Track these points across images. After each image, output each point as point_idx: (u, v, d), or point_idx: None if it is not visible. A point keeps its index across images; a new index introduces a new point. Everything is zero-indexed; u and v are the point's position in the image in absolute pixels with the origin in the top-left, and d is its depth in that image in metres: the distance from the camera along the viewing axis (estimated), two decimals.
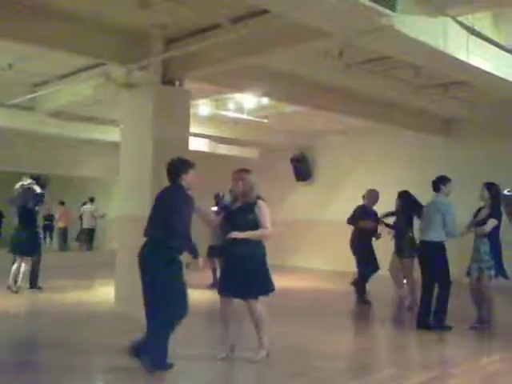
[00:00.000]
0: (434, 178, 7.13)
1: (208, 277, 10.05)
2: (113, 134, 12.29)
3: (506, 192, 7.35)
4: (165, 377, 4.85)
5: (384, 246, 9.20)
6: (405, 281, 9.78)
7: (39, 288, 9.53)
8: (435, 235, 6.86)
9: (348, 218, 9.38)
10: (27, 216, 9.36)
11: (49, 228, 18.06)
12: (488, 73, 6.73)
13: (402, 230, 8.51)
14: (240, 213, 5.26)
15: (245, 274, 5.16)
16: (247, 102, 11.14)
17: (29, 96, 10.16)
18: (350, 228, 12.00)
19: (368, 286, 9.24)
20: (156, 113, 7.64)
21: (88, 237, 17.92)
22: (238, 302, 5.39)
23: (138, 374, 4.78)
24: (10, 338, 6.49)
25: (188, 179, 4.96)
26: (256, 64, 7.93)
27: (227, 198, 7.48)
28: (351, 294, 9.38)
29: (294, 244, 14.99)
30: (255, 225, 5.20)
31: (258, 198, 5.36)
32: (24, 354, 5.65)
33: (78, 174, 16.74)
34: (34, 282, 9.55)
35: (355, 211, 9.45)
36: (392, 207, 9.67)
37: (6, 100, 10.54)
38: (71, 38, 7.00)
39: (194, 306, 7.83)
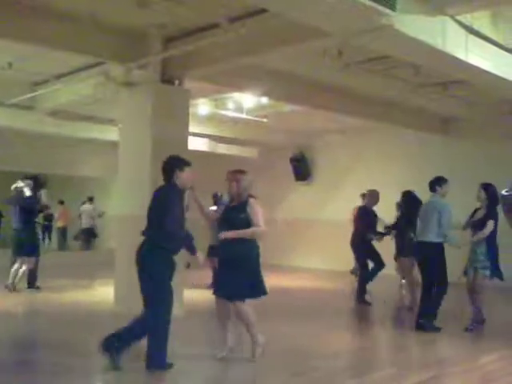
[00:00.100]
0: (431, 179, 7.14)
1: (208, 276, 10.05)
2: (112, 133, 12.28)
3: (503, 192, 7.35)
4: (164, 376, 4.85)
5: (385, 246, 9.24)
6: (403, 280, 9.81)
7: (37, 288, 9.53)
8: (432, 236, 6.86)
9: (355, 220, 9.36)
10: (27, 216, 9.38)
11: (48, 228, 18.07)
12: (487, 72, 6.73)
13: (402, 230, 8.51)
14: (233, 212, 5.26)
15: (235, 275, 5.12)
16: (246, 101, 11.14)
17: (28, 95, 10.16)
18: (350, 228, 12.03)
19: (368, 286, 9.22)
20: (155, 112, 7.64)
21: (86, 236, 17.91)
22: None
23: (137, 373, 4.79)
24: (9, 337, 6.49)
25: (183, 177, 4.93)
26: (255, 63, 7.94)
27: (225, 198, 7.48)
28: (350, 294, 9.39)
29: (292, 243, 15.00)
30: (247, 224, 5.17)
31: (250, 196, 5.27)
32: (23, 353, 5.66)
33: (77, 173, 16.74)
34: (32, 282, 9.56)
35: (357, 212, 9.48)
36: (392, 206, 9.69)
37: (5, 99, 10.54)
38: (70, 38, 7.00)
39: (194, 305, 7.88)
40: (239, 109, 11.68)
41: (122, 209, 7.95)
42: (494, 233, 6.88)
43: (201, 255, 4.97)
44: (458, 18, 6.04)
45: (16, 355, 5.68)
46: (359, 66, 8.36)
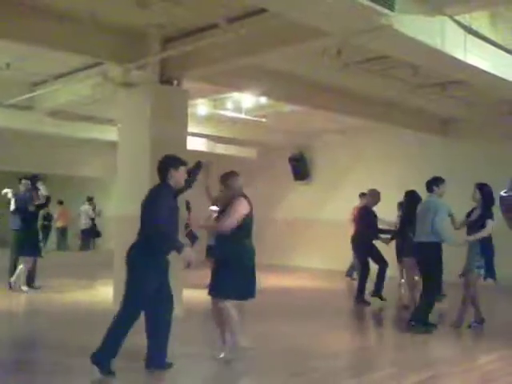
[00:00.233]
0: (428, 179, 7.13)
1: (207, 276, 10.05)
2: (111, 134, 12.26)
3: (502, 193, 7.34)
4: (164, 376, 4.86)
5: (385, 246, 9.25)
6: (403, 280, 9.82)
7: (35, 287, 9.52)
8: (428, 236, 6.86)
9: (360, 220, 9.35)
10: (27, 217, 9.39)
11: (46, 228, 18.06)
12: (485, 72, 6.73)
13: (404, 230, 8.50)
14: (223, 213, 5.27)
15: (223, 274, 5.11)
16: (245, 101, 11.13)
17: (27, 95, 10.16)
18: (349, 228, 12.03)
19: (368, 286, 9.23)
20: (154, 112, 7.64)
21: (86, 236, 17.93)
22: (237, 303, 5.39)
23: (137, 373, 4.79)
24: (9, 337, 6.50)
25: (177, 176, 4.88)
26: (254, 63, 7.94)
27: None
28: (350, 293, 9.40)
29: (292, 243, 15.01)
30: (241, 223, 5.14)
31: (242, 196, 5.22)
32: (22, 353, 5.66)
33: (77, 173, 16.75)
34: (30, 282, 9.55)
35: (358, 212, 9.47)
36: (391, 206, 9.70)
37: (4, 99, 10.54)
38: (69, 38, 7.01)
39: (194, 305, 7.87)
40: (238, 109, 11.68)
41: (121, 209, 7.95)
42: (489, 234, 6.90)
43: (188, 251, 4.80)
44: (457, 18, 6.04)
45: (15, 355, 5.68)
46: (358, 66, 8.37)
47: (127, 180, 7.92)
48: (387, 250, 9.40)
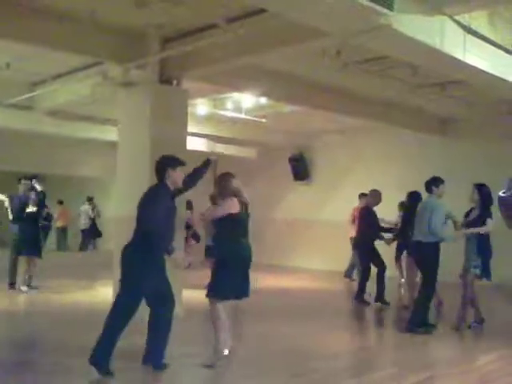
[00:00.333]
0: (427, 179, 7.12)
1: (208, 276, 10.06)
2: (111, 134, 12.26)
3: (500, 193, 7.34)
4: (162, 376, 4.85)
5: (385, 246, 9.27)
6: (403, 280, 9.83)
7: (33, 287, 9.51)
8: (425, 236, 6.86)
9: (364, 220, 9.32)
10: (25, 218, 9.40)
11: (45, 228, 18.02)
12: (484, 72, 6.73)
13: (406, 230, 8.50)
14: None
15: (220, 274, 5.11)
16: (245, 101, 11.14)
17: (27, 95, 10.16)
18: (349, 228, 12.04)
19: (368, 285, 9.23)
20: (153, 112, 7.63)
21: (85, 236, 17.93)
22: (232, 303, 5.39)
23: (135, 373, 4.79)
24: (9, 337, 6.50)
25: (174, 176, 4.88)
26: (253, 64, 7.94)
27: None
28: (350, 294, 9.40)
29: (292, 244, 15.01)
30: (229, 223, 5.12)
31: (234, 195, 5.20)
32: (22, 353, 5.65)
33: (76, 173, 16.75)
34: (29, 282, 9.54)
35: (360, 213, 9.46)
36: (390, 206, 9.70)
37: (3, 99, 10.53)
38: (69, 38, 7.00)
39: (194, 305, 7.87)
40: (238, 109, 11.68)
41: (120, 209, 7.94)
42: (487, 233, 6.90)
43: (178, 254, 4.79)
44: (456, 17, 6.04)
45: (15, 355, 5.67)
46: (358, 67, 8.37)
47: (127, 180, 7.92)
48: (387, 249, 9.42)
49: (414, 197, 8.39)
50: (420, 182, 7.38)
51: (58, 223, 18.06)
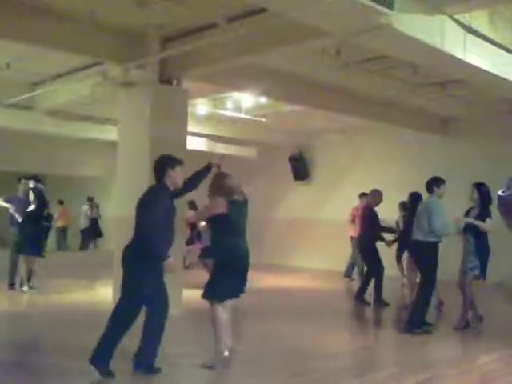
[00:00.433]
0: (428, 179, 7.11)
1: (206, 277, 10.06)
2: (111, 134, 12.26)
3: (500, 193, 7.33)
4: (163, 377, 4.82)
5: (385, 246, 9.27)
6: (405, 280, 9.82)
7: (32, 287, 9.50)
8: (423, 235, 6.85)
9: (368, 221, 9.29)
10: (28, 217, 9.40)
11: (46, 228, 17.99)
12: (485, 71, 6.72)
13: (408, 231, 8.50)
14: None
15: (217, 275, 5.10)
16: (245, 101, 11.13)
17: (27, 95, 10.14)
18: (349, 228, 12.01)
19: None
20: (153, 112, 7.63)
21: (84, 236, 17.93)
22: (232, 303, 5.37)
23: (136, 375, 4.77)
24: (9, 338, 6.49)
25: (174, 176, 4.85)
26: (254, 63, 7.94)
27: None
28: (350, 294, 9.39)
29: (292, 243, 15.01)
30: (219, 223, 5.11)
31: (231, 194, 5.16)
32: (22, 354, 5.63)
33: (77, 173, 16.75)
34: (29, 282, 9.53)
35: (363, 213, 9.44)
36: (390, 206, 9.69)
37: (3, 99, 10.52)
38: (69, 37, 7.01)
39: (193, 305, 7.86)
40: (238, 108, 11.67)
41: (120, 209, 7.93)
42: (485, 233, 6.89)
43: (171, 260, 4.74)
44: (457, 17, 6.03)
45: (15, 356, 5.66)
46: (358, 66, 8.37)
47: (127, 180, 7.91)
48: (388, 249, 9.41)
49: (415, 198, 8.38)
50: (420, 181, 7.38)
51: (58, 223, 18.04)
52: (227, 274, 5.00)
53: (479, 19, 6.36)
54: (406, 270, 9.29)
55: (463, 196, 7.38)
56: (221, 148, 14.96)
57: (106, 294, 8.49)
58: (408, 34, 5.60)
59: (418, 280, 7.71)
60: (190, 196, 5.82)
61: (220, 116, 12.36)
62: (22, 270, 9.35)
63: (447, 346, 6.43)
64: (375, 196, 9.29)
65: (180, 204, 5.86)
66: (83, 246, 17.98)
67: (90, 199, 17.87)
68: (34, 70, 9.45)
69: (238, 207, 5.15)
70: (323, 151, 14.94)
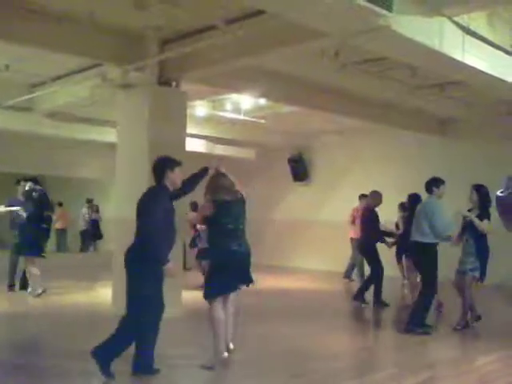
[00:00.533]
0: (428, 180, 7.11)
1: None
2: (110, 135, 12.24)
3: (498, 193, 7.34)
4: (163, 378, 4.83)
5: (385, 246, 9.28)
6: (406, 281, 9.83)
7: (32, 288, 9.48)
8: (422, 236, 6.86)
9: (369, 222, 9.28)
10: (28, 218, 9.41)
11: (46, 230, 17.98)
12: (483, 72, 6.73)
13: (407, 231, 8.51)
14: None
15: (209, 276, 5.17)
16: (244, 102, 11.14)
17: (26, 97, 10.14)
18: (348, 229, 12.00)
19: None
20: (152, 114, 7.64)
21: (83, 238, 17.92)
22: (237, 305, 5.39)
23: (135, 376, 4.77)
24: (9, 340, 6.49)
25: (173, 177, 4.87)
26: (252, 65, 7.94)
27: None
28: (349, 295, 9.39)
29: (291, 244, 15.02)
30: (214, 223, 5.14)
31: (228, 192, 5.20)
32: (22, 356, 5.63)
33: (76, 175, 16.73)
34: (25, 283, 9.50)
35: (363, 214, 9.44)
36: (389, 207, 9.70)
37: (2, 101, 10.52)
38: (68, 39, 7.02)
39: (193, 306, 7.87)
40: (237, 110, 11.68)
41: (120, 211, 7.94)
42: (485, 235, 6.89)
43: (170, 264, 4.74)
44: (455, 18, 6.05)
45: (15, 358, 5.65)
46: (356, 67, 8.37)
47: (126, 181, 7.92)
48: (387, 250, 9.42)
49: (414, 199, 8.39)
50: (419, 182, 7.39)
51: (57, 225, 18.03)
52: (217, 272, 5.05)
53: (478, 21, 6.37)
54: (406, 271, 9.29)
55: (462, 197, 7.39)
56: (220, 149, 14.98)
57: (105, 295, 8.49)
58: (406, 36, 5.62)
59: (418, 280, 7.73)
60: (192, 197, 5.84)
61: (219, 117, 12.36)
62: (27, 273, 9.29)
63: (447, 347, 6.44)
64: (375, 197, 9.30)
65: (182, 205, 5.88)
66: (83, 248, 17.97)
67: (89, 201, 17.86)
68: (33, 72, 9.45)
69: (230, 207, 5.12)
70: (322, 152, 14.95)
